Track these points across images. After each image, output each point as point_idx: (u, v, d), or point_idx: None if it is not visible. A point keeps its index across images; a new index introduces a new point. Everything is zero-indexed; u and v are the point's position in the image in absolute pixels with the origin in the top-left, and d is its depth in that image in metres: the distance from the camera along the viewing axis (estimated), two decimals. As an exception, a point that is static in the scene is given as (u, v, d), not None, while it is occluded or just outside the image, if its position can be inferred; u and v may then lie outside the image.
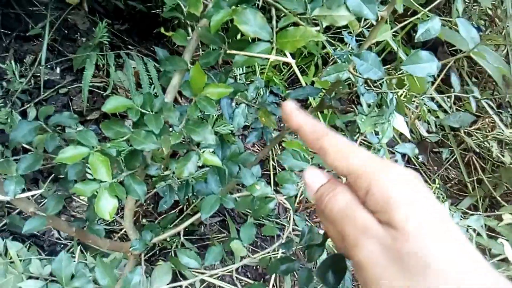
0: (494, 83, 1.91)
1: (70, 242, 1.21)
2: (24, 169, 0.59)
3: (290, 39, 0.48)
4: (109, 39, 1.47)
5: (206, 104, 0.55)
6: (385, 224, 0.30)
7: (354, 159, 0.33)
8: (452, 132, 1.80)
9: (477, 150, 1.73)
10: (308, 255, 0.69)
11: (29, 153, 0.63)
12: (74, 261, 0.93)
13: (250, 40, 0.53)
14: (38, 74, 1.41)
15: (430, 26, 0.69)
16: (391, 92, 0.88)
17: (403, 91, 1.12)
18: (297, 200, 1.50)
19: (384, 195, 0.30)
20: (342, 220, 0.32)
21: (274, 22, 0.50)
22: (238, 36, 0.62)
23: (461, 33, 0.70)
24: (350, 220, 0.32)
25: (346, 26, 1.62)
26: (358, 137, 0.82)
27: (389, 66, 0.85)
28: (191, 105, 0.56)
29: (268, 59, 0.48)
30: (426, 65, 0.68)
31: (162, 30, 0.57)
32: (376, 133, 0.85)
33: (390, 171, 0.31)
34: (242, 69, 1.65)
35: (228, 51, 0.54)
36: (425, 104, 1.08)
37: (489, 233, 1.39)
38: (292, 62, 0.48)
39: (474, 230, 0.87)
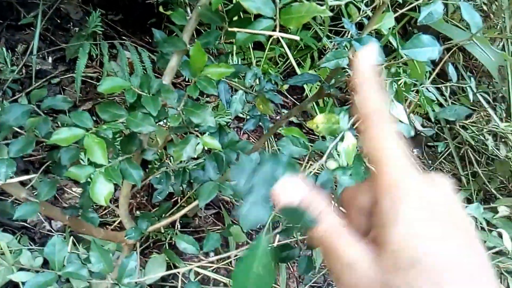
0: (489, 77, 1.91)
1: (62, 234, 1.19)
2: (16, 152, 0.57)
3: (294, 15, 0.47)
4: (102, 29, 1.44)
5: (206, 84, 0.53)
6: (380, 245, 0.27)
7: (384, 154, 0.29)
8: (448, 126, 1.80)
9: (472, 143, 1.73)
10: (307, 242, 0.68)
11: (20, 136, 0.61)
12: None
13: (252, 20, 0.51)
14: (30, 64, 1.38)
15: (433, 9, 0.68)
16: (391, 80, 0.87)
17: (402, 81, 1.11)
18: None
19: (389, 210, 0.27)
20: (325, 253, 0.30)
21: (277, -2, 0.48)
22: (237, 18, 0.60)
23: (464, 17, 0.69)
24: (333, 254, 0.29)
25: (343, 16, 1.60)
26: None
27: (385, 59, 0.84)
28: (191, 85, 0.54)
29: (265, 47, 0.47)
30: (428, 49, 0.67)
31: (161, 8, 0.55)
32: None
33: (409, 183, 0.28)
34: (238, 61, 1.63)
35: (229, 29, 0.52)
36: (423, 95, 1.07)
37: (482, 226, 1.39)
38: (297, 38, 0.46)
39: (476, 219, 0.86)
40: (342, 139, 0.61)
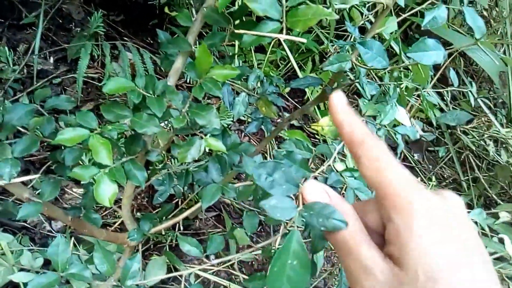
0: (490, 82, 1.91)
1: (63, 235, 1.18)
2: (20, 152, 0.57)
3: (301, 18, 0.46)
4: (104, 30, 1.44)
5: (212, 86, 0.53)
6: (396, 261, 0.28)
7: (387, 175, 0.30)
8: (448, 131, 1.80)
9: (473, 149, 1.73)
10: (311, 246, 0.68)
11: (24, 136, 0.61)
12: (68, 252, 0.91)
13: (257, 22, 0.51)
14: (31, 64, 1.38)
15: (437, 14, 0.68)
16: (394, 84, 0.87)
17: (404, 84, 1.11)
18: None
19: (403, 229, 0.28)
20: (345, 254, 0.31)
21: (283, 1, 0.48)
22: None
23: (467, 21, 0.69)
24: (353, 256, 0.30)
25: (343, 22, 1.61)
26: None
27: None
28: (196, 86, 0.54)
29: (266, 50, 0.46)
30: (433, 53, 0.67)
31: (166, 9, 0.55)
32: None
33: (420, 201, 0.29)
34: (239, 64, 1.63)
35: (235, 31, 0.52)
36: (426, 99, 1.07)
37: (484, 232, 1.39)
38: (303, 40, 0.46)
39: (476, 223, 0.86)
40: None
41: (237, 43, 1.53)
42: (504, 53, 1.75)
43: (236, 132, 1.61)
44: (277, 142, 1.58)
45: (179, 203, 1.30)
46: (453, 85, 1.04)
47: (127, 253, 0.84)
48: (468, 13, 0.71)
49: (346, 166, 0.56)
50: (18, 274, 0.90)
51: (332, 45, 1.68)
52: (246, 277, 1.27)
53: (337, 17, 0.46)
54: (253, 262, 1.34)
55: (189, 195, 1.28)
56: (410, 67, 1.10)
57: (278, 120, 1.69)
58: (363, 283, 0.29)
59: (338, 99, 0.35)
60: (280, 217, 0.32)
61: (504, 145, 1.64)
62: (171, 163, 1.19)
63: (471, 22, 0.70)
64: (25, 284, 0.54)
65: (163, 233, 1.22)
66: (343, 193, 0.58)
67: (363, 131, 0.33)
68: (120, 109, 0.57)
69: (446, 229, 0.28)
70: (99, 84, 1.43)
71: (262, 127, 0.95)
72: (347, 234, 0.31)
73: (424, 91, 1.09)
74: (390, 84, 0.89)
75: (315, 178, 0.48)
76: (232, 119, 1.47)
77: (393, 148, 1.87)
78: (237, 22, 0.56)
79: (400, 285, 0.27)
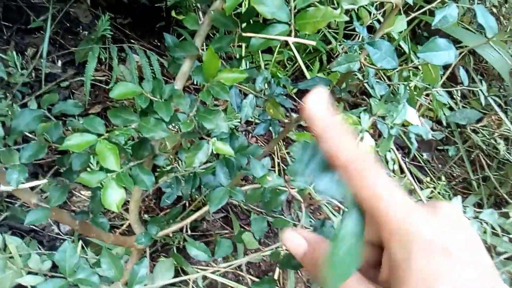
0: (500, 80, 1.89)
1: (71, 237, 1.19)
2: (28, 158, 0.57)
3: (310, 20, 0.46)
4: (111, 33, 1.44)
5: (219, 89, 0.53)
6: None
7: (382, 201, 0.27)
8: (458, 129, 1.78)
9: (483, 147, 1.71)
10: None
11: (32, 141, 0.61)
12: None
13: (265, 24, 0.51)
14: (39, 67, 1.38)
15: (448, 13, 0.67)
16: (403, 84, 0.86)
17: (413, 84, 1.10)
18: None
19: (401, 263, 0.26)
20: None
21: (292, 3, 0.48)
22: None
23: (479, 21, 0.68)
24: None
25: (351, 22, 1.60)
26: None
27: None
28: (203, 90, 0.54)
29: (273, 50, 0.46)
30: (444, 53, 0.66)
31: (173, 13, 0.55)
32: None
33: (413, 230, 0.26)
34: (246, 64, 1.62)
35: (243, 34, 0.51)
36: (436, 99, 1.06)
37: (494, 231, 1.37)
38: (313, 43, 0.45)
39: (487, 224, 0.85)
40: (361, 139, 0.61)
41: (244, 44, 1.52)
42: (515, 50, 1.72)
43: (244, 133, 1.61)
44: (285, 144, 1.57)
45: (187, 204, 1.30)
46: (462, 83, 1.02)
47: (135, 256, 0.84)
48: (479, 12, 0.69)
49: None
50: (26, 277, 0.90)
51: (340, 45, 1.66)
52: (254, 278, 1.26)
53: (346, 18, 0.45)
54: (261, 264, 1.33)
55: (196, 196, 1.27)
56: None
57: (286, 121, 1.68)
58: None
59: (317, 100, 0.29)
60: (331, 196, 0.31)
61: (514, 144, 1.62)
62: (179, 165, 1.19)
63: (483, 21, 0.69)
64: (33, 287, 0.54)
65: (171, 235, 1.22)
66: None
67: (349, 150, 0.28)
68: (127, 114, 0.57)
69: (445, 254, 0.26)
70: (107, 87, 1.44)
71: (270, 128, 0.94)
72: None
73: (434, 91, 1.07)
74: (399, 84, 0.88)
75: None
76: (239, 121, 1.47)
77: (402, 147, 1.84)
78: (244, 25, 0.56)
79: None
